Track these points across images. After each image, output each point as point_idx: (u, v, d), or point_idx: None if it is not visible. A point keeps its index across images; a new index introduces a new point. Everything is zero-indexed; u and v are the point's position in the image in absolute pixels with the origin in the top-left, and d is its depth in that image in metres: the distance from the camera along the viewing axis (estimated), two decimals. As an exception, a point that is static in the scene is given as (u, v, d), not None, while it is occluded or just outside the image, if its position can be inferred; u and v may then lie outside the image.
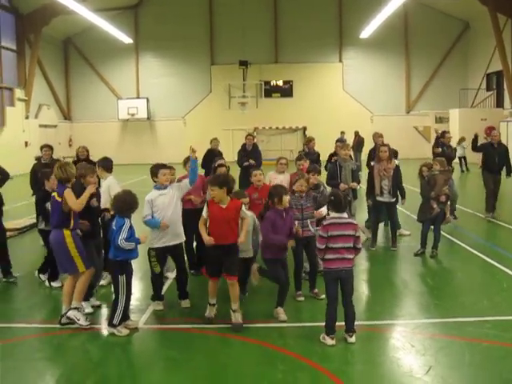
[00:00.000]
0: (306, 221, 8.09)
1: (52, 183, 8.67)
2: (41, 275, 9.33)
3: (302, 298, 8.17)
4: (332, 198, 6.68)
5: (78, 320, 7.26)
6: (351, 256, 6.60)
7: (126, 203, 7.00)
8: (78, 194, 7.40)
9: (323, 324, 6.63)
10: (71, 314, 7.31)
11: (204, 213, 7.20)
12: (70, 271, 7.50)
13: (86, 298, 7.79)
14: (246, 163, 14.54)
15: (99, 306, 8.02)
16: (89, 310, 7.75)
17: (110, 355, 6.58)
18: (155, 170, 7.86)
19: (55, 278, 9.11)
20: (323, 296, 7.50)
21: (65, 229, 7.33)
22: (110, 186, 8.76)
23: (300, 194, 8.16)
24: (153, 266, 7.79)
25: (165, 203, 7.66)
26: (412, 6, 37.45)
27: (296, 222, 7.78)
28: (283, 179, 9.92)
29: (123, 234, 6.81)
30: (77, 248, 7.33)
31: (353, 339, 6.58)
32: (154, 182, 7.92)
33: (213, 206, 7.13)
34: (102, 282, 8.85)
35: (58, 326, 7.29)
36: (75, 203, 7.28)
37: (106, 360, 6.46)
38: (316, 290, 8.25)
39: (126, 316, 7.12)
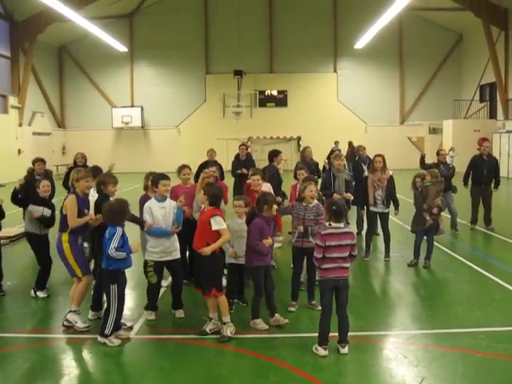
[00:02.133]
0: (307, 232, 8.00)
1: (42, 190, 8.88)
2: (38, 292, 9.08)
3: (293, 309, 8.11)
4: (334, 207, 6.65)
5: (76, 323, 7.33)
6: (347, 265, 6.62)
7: (118, 212, 6.95)
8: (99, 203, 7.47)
9: (316, 334, 6.61)
10: (69, 317, 7.39)
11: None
12: (72, 274, 7.55)
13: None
14: (239, 171, 14.61)
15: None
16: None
17: (101, 365, 6.53)
18: (156, 179, 7.84)
19: (42, 288, 9.05)
20: (320, 307, 7.52)
21: (63, 232, 7.34)
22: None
23: (306, 205, 8.05)
24: (149, 277, 7.76)
25: (164, 216, 7.66)
26: (406, 18, 37.64)
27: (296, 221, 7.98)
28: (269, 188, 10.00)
29: (114, 243, 6.77)
30: (72, 253, 7.35)
31: (345, 350, 6.56)
32: (154, 191, 7.95)
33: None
34: None
35: (50, 335, 7.31)
36: (71, 216, 7.32)
37: (97, 370, 6.41)
38: (314, 302, 8.20)
39: (117, 326, 7.07)
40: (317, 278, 7.40)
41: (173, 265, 7.86)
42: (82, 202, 7.59)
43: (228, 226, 7.53)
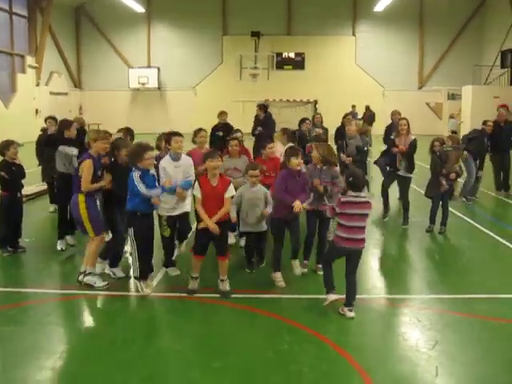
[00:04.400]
0: (326, 192, 7.88)
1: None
2: (58, 243, 9.32)
3: (304, 270, 8.10)
4: (350, 178, 6.59)
5: (95, 283, 7.46)
6: (364, 236, 6.57)
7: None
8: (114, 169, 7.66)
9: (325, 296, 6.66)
10: (87, 279, 7.50)
11: (197, 193, 7.16)
12: (85, 233, 7.65)
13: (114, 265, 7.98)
14: (256, 132, 14.62)
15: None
16: (120, 274, 7.91)
17: (115, 321, 6.62)
18: (168, 136, 7.97)
19: (62, 237, 9.29)
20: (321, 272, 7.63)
21: (79, 193, 7.39)
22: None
23: (319, 166, 7.95)
24: (163, 230, 7.89)
25: (176, 175, 7.68)
26: (428, -20, 36.93)
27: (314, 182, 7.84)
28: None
29: (139, 185, 6.93)
30: (88, 213, 7.42)
31: (352, 314, 6.55)
32: (168, 149, 8.02)
33: (205, 183, 7.14)
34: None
35: (71, 291, 7.45)
36: (85, 181, 7.38)
37: (111, 326, 6.50)
38: (320, 265, 8.21)
39: (145, 272, 7.25)
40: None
41: (183, 218, 8.01)
42: (97, 164, 7.59)
43: (241, 193, 7.73)
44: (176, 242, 8.45)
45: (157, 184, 7.28)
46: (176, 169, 7.69)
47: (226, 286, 7.33)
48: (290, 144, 9.83)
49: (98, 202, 7.75)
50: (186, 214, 8.05)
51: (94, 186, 7.49)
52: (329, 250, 6.98)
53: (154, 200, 7.14)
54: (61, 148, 9.19)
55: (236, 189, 7.62)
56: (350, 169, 8.14)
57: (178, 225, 8.11)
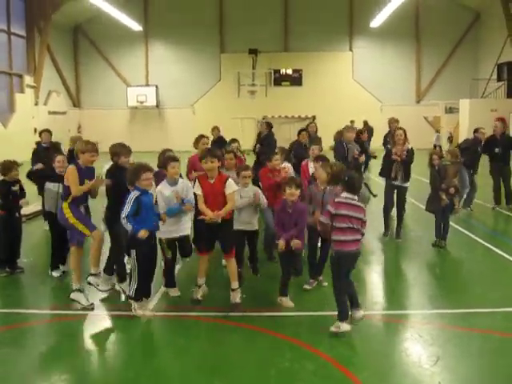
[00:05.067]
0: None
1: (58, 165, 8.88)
2: (53, 272, 9.04)
3: (308, 287, 8.04)
4: (347, 178, 6.55)
5: (98, 286, 7.49)
6: (359, 237, 6.50)
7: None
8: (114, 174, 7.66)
9: (330, 313, 6.61)
10: (91, 279, 7.52)
11: (198, 190, 7.30)
12: (80, 239, 7.59)
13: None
14: (256, 149, 14.69)
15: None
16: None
17: (116, 341, 6.60)
18: (164, 161, 7.91)
19: (56, 267, 9.04)
20: (326, 283, 7.67)
21: (64, 201, 7.43)
22: None
23: (323, 187, 7.87)
24: (165, 253, 7.84)
25: (173, 198, 7.61)
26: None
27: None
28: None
29: (128, 208, 6.87)
30: (75, 216, 7.38)
31: (361, 313, 6.60)
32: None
33: (204, 181, 7.30)
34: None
35: (69, 311, 7.36)
36: (73, 184, 7.34)
37: (112, 346, 6.47)
38: (321, 278, 8.17)
39: (140, 293, 7.14)
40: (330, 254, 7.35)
41: (182, 241, 7.91)
42: (83, 173, 7.50)
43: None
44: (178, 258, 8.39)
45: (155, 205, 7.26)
46: (173, 192, 7.65)
47: (236, 297, 7.28)
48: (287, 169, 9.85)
49: (82, 210, 7.64)
50: (186, 238, 7.97)
51: (84, 187, 7.41)
52: (335, 266, 6.58)
53: (162, 217, 7.18)
54: (46, 185, 9.08)
55: None
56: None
57: (179, 248, 8.03)
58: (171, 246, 7.85)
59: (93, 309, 7.35)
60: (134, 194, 6.95)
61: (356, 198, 6.52)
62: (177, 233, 7.76)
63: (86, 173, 7.59)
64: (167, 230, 7.68)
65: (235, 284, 7.32)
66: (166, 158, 7.89)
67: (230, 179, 7.37)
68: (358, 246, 6.48)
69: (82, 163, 7.59)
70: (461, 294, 8.11)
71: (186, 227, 7.88)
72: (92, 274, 7.54)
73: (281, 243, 7.16)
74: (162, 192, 7.63)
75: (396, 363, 5.86)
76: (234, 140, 11.47)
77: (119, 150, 7.95)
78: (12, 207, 9.10)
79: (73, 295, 7.47)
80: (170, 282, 8.04)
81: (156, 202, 7.51)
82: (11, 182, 9.02)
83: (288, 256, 7.29)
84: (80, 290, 7.49)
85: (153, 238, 7.22)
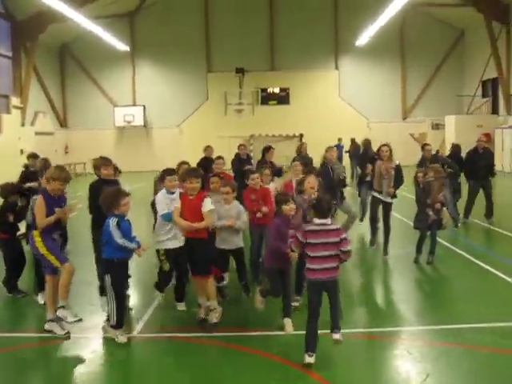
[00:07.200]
0: None
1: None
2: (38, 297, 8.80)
3: (296, 304, 7.89)
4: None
5: (66, 318, 7.13)
6: (335, 264, 6.15)
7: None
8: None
9: (319, 331, 6.55)
10: (59, 313, 7.18)
11: (177, 204, 7.44)
12: (49, 269, 7.33)
13: None
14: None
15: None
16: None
17: (103, 364, 6.51)
18: (162, 175, 8.12)
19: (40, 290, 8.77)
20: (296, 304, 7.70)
21: (34, 230, 7.26)
22: None
23: (308, 197, 7.84)
24: (163, 264, 7.77)
25: (171, 206, 7.60)
26: (408, 14, 37.36)
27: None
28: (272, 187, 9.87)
29: (114, 233, 6.83)
30: (46, 246, 7.18)
31: (338, 336, 6.19)
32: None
33: (183, 196, 7.47)
34: None
35: (48, 334, 7.21)
36: (39, 217, 7.16)
37: (100, 368, 6.39)
38: (297, 297, 8.05)
39: (122, 320, 7.04)
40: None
41: (180, 252, 7.75)
42: (53, 201, 7.26)
43: (215, 211, 7.75)
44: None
45: (133, 234, 7.13)
46: (172, 201, 7.66)
47: (213, 317, 7.23)
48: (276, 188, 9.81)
49: (55, 237, 7.42)
50: (184, 249, 7.84)
51: (48, 219, 7.16)
52: (308, 291, 6.37)
53: (137, 252, 7.05)
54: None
55: None
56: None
57: (175, 262, 7.91)
58: (170, 257, 7.71)
59: (69, 337, 7.13)
60: (113, 221, 6.87)
61: (328, 221, 6.19)
62: (175, 242, 7.67)
63: (56, 201, 7.31)
64: (165, 239, 7.64)
65: (214, 303, 7.29)
66: (164, 172, 7.98)
67: (207, 198, 7.42)
68: (330, 274, 6.12)
69: (51, 191, 7.30)
70: (449, 310, 8.11)
71: (183, 238, 7.75)
72: (60, 307, 7.23)
73: (293, 255, 6.81)
74: (161, 200, 7.68)
75: (386, 381, 5.84)
76: (219, 157, 11.53)
77: (98, 163, 8.09)
78: (13, 229, 9.24)
79: (47, 325, 7.28)
80: (178, 296, 8.08)
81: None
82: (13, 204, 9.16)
83: (279, 275, 7.15)
84: (53, 320, 7.28)
85: (127, 265, 7.19)
